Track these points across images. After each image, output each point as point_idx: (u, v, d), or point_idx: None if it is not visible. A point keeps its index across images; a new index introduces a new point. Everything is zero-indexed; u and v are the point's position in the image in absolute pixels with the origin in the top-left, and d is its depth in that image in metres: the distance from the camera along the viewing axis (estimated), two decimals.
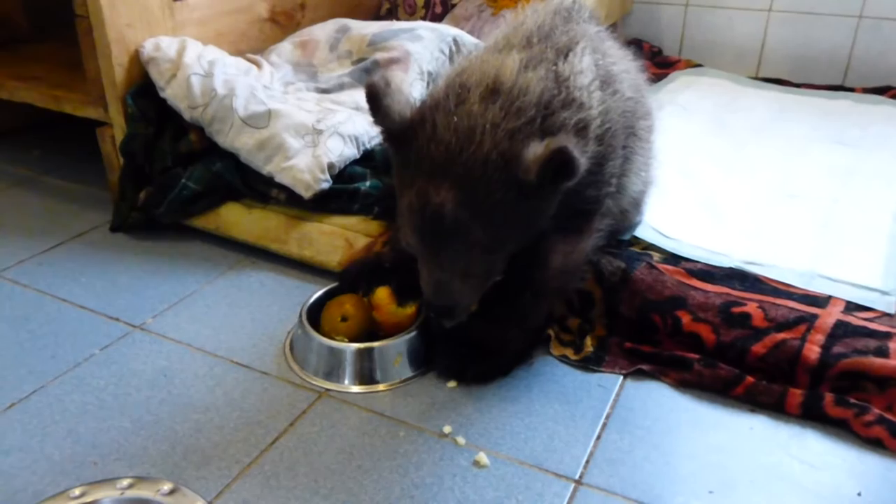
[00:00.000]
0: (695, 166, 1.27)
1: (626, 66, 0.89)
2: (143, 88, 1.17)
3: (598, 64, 0.80)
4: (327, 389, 0.83)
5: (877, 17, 1.66)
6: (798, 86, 1.71)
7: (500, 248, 0.74)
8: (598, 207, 0.85)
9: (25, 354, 0.88)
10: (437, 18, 1.77)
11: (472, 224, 0.71)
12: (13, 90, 1.34)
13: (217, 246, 1.13)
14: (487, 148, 0.69)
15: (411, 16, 1.78)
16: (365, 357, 0.85)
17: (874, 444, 0.75)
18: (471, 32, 1.68)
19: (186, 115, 1.14)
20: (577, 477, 0.71)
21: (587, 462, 0.73)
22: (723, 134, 1.42)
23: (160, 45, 1.17)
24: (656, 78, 1.73)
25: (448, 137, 0.70)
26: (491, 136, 0.69)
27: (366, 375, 0.84)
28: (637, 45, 1.86)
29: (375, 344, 0.85)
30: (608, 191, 0.84)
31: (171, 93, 1.14)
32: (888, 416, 0.76)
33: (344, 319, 0.88)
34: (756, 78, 1.77)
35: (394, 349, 0.85)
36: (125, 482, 0.60)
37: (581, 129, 0.74)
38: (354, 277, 0.95)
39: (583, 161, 0.68)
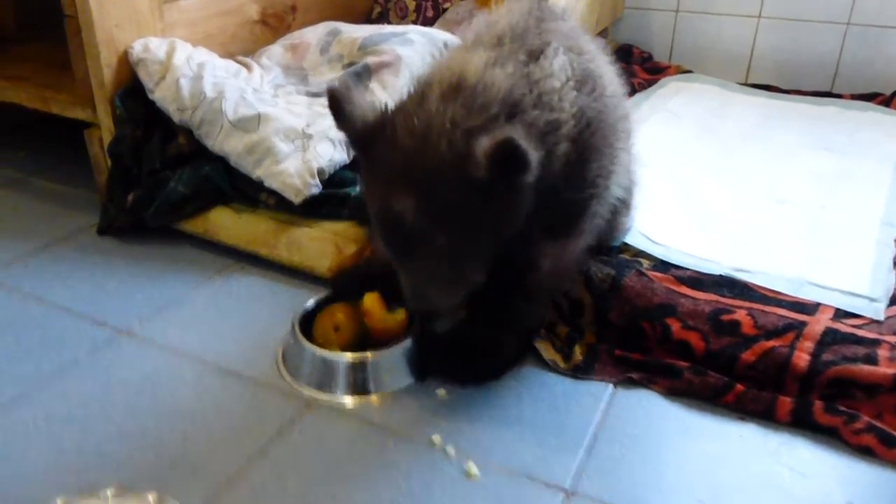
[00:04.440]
0: (684, 173, 1.28)
1: (603, 65, 0.86)
2: (132, 89, 1.16)
3: (574, 64, 0.78)
4: (318, 399, 0.82)
5: (864, 24, 1.68)
6: (787, 92, 1.72)
7: (467, 252, 0.73)
8: (583, 210, 0.84)
9: (10, 360, 0.87)
10: (429, 22, 1.76)
11: (433, 231, 0.69)
12: (0, 90, 1.32)
13: (206, 250, 1.12)
14: (444, 150, 0.67)
15: (402, 19, 1.78)
16: (358, 368, 0.83)
17: (864, 451, 0.75)
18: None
19: (175, 118, 1.13)
20: (567, 487, 0.71)
21: (578, 472, 0.73)
22: (712, 140, 1.43)
23: (149, 47, 1.16)
24: (647, 83, 1.74)
25: (406, 141, 0.68)
26: (448, 137, 0.67)
27: (359, 385, 0.83)
28: (627, 51, 1.87)
29: (369, 355, 0.83)
30: (592, 192, 0.82)
31: (159, 95, 1.13)
32: (878, 423, 0.76)
33: (336, 329, 0.87)
34: (745, 84, 1.77)
35: (388, 360, 0.84)
36: (109, 492, 0.60)
37: (551, 130, 0.72)
38: (346, 284, 0.94)
39: (532, 152, 0.64)
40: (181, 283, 1.04)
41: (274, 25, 1.49)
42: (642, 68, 1.82)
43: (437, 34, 1.36)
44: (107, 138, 1.18)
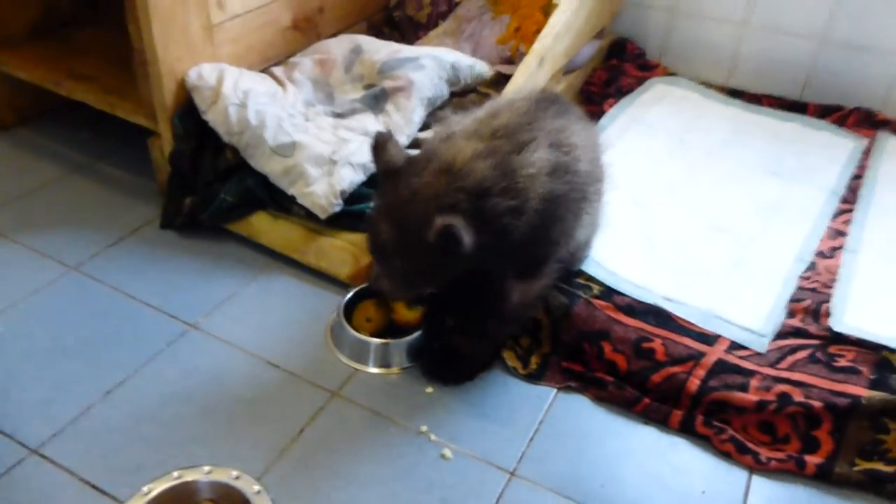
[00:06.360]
0: (648, 194, 1.52)
1: (582, 149, 1.09)
2: (188, 109, 1.40)
3: (550, 157, 1.02)
4: (356, 370, 1.16)
5: (837, 42, 1.85)
6: (760, 99, 1.91)
7: (416, 278, 1.04)
8: (546, 260, 1.11)
9: (112, 346, 1.17)
10: (442, 16, 1.95)
11: (397, 256, 1.01)
12: (71, 89, 1.55)
13: (250, 248, 1.40)
14: (419, 211, 0.96)
15: (418, 12, 1.96)
16: (384, 349, 1.17)
17: (725, 455, 1.06)
18: (472, 34, 1.88)
19: (225, 139, 1.38)
20: (511, 470, 1.03)
21: (521, 458, 1.04)
22: (680, 156, 1.66)
23: (202, 75, 1.38)
24: (635, 83, 1.94)
25: (403, 192, 0.98)
26: (425, 204, 0.96)
27: (385, 361, 1.17)
28: (622, 46, 2.05)
29: (391, 340, 1.17)
30: (554, 248, 1.10)
31: (211, 117, 1.37)
32: (739, 435, 1.07)
33: (368, 320, 1.21)
34: (724, 88, 1.97)
35: (403, 345, 1.17)
36: (206, 468, 0.91)
37: (511, 211, 0.99)
38: None
39: (466, 237, 0.93)
40: (232, 280, 1.32)
41: (305, 28, 1.69)
42: (633, 65, 2.01)
43: (446, 57, 1.57)
44: (166, 148, 1.43)
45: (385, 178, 1.03)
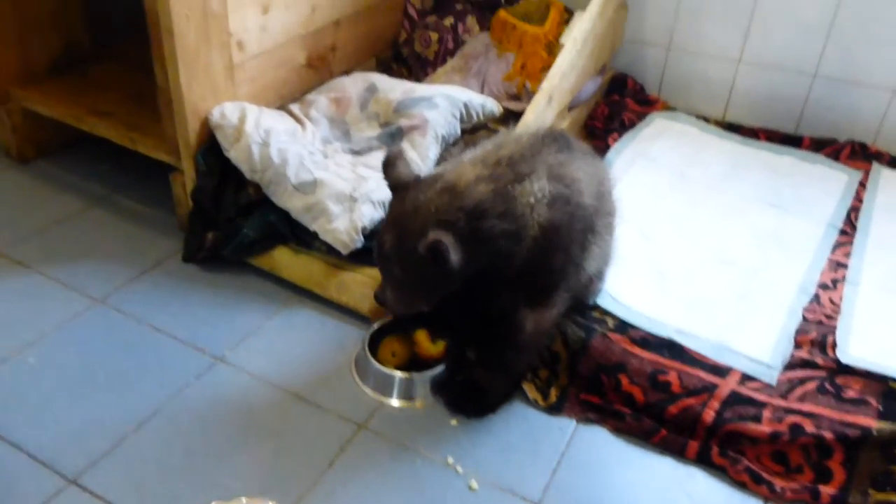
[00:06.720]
0: (654, 227, 1.58)
1: (585, 183, 1.13)
2: (211, 146, 1.44)
3: (550, 188, 1.07)
4: (381, 402, 1.19)
5: (829, 77, 1.93)
6: (756, 132, 1.98)
7: (411, 286, 1.08)
8: (554, 288, 1.14)
9: (141, 379, 1.20)
10: (450, 53, 2.01)
11: (395, 263, 1.06)
12: (92, 125, 1.59)
13: (271, 282, 1.43)
14: (418, 224, 1.02)
15: (426, 49, 2.02)
16: (408, 382, 1.20)
17: (741, 485, 1.09)
18: (479, 71, 1.94)
19: (248, 176, 1.41)
20: (537, 501, 1.06)
21: (545, 489, 1.07)
22: (683, 189, 1.71)
23: (225, 114, 1.43)
24: (636, 118, 2.00)
25: (407, 205, 1.05)
26: (424, 217, 1.02)
27: (407, 394, 1.20)
28: (622, 81, 2.12)
29: (415, 375, 1.20)
30: (560, 276, 1.13)
31: (234, 155, 1.41)
32: (754, 465, 1.11)
33: (393, 355, 1.25)
34: (721, 122, 2.04)
35: (426, 378, 1.21)
36: (244, 500, 0.93)
37: (508, 235, 1.04)
38: (408, 319, 1.29)
39: (453, 253, 0.98)
40: (256, 314, 1.35)
41: (318, 66, 1.74)
42: (634, 100, 2.07)
43: (458, 96, 1.62)
44: (188, 184, 1.46)
45: (394, 193, 1.10)
